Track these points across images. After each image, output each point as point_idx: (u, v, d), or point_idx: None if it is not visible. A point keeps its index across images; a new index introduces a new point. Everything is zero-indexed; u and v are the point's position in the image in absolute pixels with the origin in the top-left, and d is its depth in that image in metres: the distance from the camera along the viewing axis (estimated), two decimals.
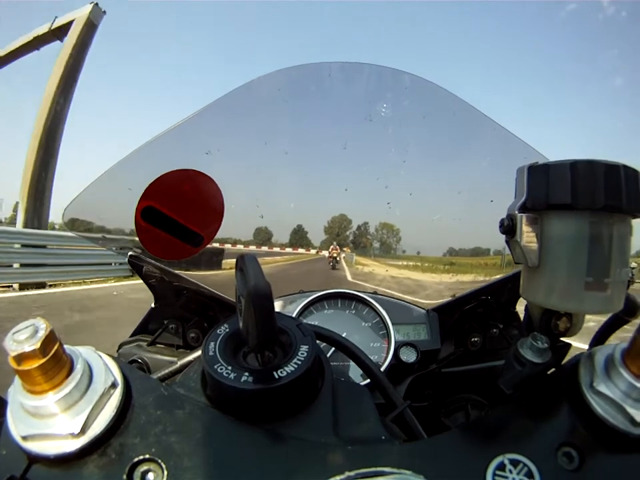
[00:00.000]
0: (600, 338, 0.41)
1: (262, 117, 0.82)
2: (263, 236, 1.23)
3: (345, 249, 1.55)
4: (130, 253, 0.66)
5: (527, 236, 0.29)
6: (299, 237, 1.43)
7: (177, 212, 0.60)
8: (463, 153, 0.87)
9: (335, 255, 1.59)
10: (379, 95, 0.82)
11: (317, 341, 0.34)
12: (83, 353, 0.27)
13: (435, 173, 0.94)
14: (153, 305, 0.80)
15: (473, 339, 0.81)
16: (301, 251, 1.52)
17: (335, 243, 1.56)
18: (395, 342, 0.74)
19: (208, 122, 0.68)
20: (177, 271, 0.70)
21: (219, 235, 0.65)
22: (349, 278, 1.68)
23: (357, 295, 0.81)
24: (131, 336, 0.84)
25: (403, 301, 0.88)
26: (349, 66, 0.78)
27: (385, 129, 0.85)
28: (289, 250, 1.51)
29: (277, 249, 1.47)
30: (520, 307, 0.78)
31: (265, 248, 1.35)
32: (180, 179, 0.60)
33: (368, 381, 0.67)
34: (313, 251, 1.59)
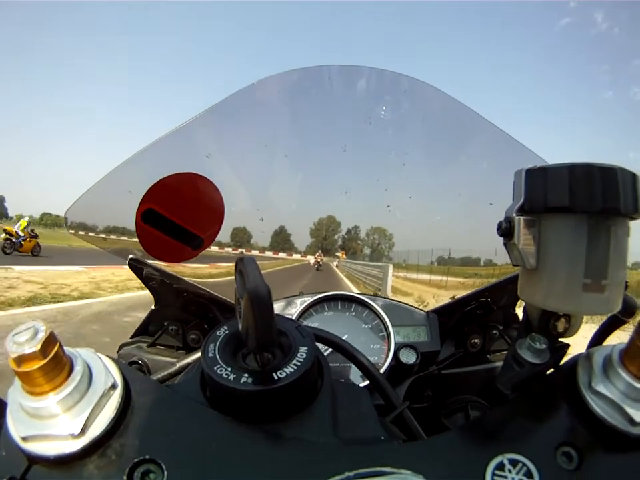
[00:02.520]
0: (598, 339, 0.41)
1: (262, 120, 0.83)
2: (240, 237, 1.06)
3: (337, 254, 1.58)
4: (130, 256, 0.67)
5: (525, 238, 0.29)
6: (280, 240, 1.31)
7: (178, 215, 0.60)
8: (462, 155, 0.87)
9: (319, 260, 1.80)
10: (378, 97, 0.82)
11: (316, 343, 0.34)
12: (82, 354, 0.27)
13: (434, 175, 0.94)
14: (153, 307, 0.80)
15: (472, 341, 0.81)
16: (282, 255, 1.42)
17: (320, 251, 1.66)
18: (395, 343, 0.74)
19: (208, 125, 0.69)
20: (177, 274, 0.70)
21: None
22: None
23: (356, 297, 0.82)
24: (131, 337, 0.85)
25: (403, 302, 0.88)
26: (349, 69, 0.78)
27: (384, 132, 0.85)
28: (269, 254, 1.37)
29: (255, 252, 1.30)
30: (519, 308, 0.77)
31: (242, 251, 1.17)
32: (180, 181, 0.60)
33: (367, 382, 0.67)
34: (296, 256, 1.51)
